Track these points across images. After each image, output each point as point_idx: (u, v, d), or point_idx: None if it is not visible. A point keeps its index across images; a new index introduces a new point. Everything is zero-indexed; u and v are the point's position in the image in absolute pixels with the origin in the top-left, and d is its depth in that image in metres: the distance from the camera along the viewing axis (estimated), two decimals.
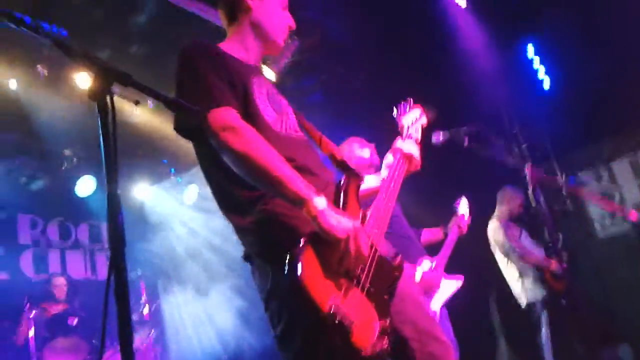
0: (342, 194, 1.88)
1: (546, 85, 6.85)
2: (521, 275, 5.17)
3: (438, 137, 3.61)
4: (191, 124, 1.83)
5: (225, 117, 1.75)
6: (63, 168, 6.10)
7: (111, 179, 1.31)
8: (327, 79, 6.55)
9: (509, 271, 5.29)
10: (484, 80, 6.63)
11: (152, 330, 5.62)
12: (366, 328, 1.69)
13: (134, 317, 5.85)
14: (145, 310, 5.78)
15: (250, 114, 1.85)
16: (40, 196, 6.65)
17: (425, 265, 3.72)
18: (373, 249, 1.81)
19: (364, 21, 5.71)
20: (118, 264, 1.26)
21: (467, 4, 5.51)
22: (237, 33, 2.10)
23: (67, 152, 6.00)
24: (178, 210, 7.23)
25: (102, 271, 7.25)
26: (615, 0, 5.79)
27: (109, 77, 1.34)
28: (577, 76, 6.53)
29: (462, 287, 3.95)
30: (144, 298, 5.85)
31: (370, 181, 2.23)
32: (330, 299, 1.62)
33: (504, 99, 7.09)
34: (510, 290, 5.33)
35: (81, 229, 7.22)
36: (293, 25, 2.15)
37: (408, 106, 2.40)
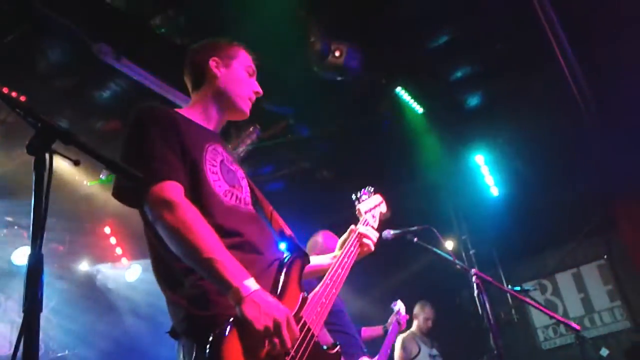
0: (283, 275, 1.81)
1: (494, 193, 7.06)
2: None
3: (388, 234, 3.67)
4: (131, 192, 1.78)
5: (167, 191, 1.69)
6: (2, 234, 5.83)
7: (36, 239, 1.25)
8: (286, 169, 6.64)
9: None
10: (437, 184, 6.84)
11: None
12: None
13: None
14: None
15: (198, 184, 1.79)
16: None
17: None
18: (310, 334, 1.74)
19: (327, 119, 5.90)
20: (30, 328, 1.19)
21: (423, 110, 5.77)
22: (201, 100, 2.08)
23: (8, 218, 5.77)
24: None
25: None
26: (565, 119, 6.10)
27: (51, 134, 1.33)
28: (525, 189, 6.79)
29: None
30: None
31: (322, 259, 2.19)
32: None
33: (455, 204, 7.31)
34: None
35: (11, 300, 6.77)
36: (260, 91, 2.13)
37: (368, 193, 2.43)
